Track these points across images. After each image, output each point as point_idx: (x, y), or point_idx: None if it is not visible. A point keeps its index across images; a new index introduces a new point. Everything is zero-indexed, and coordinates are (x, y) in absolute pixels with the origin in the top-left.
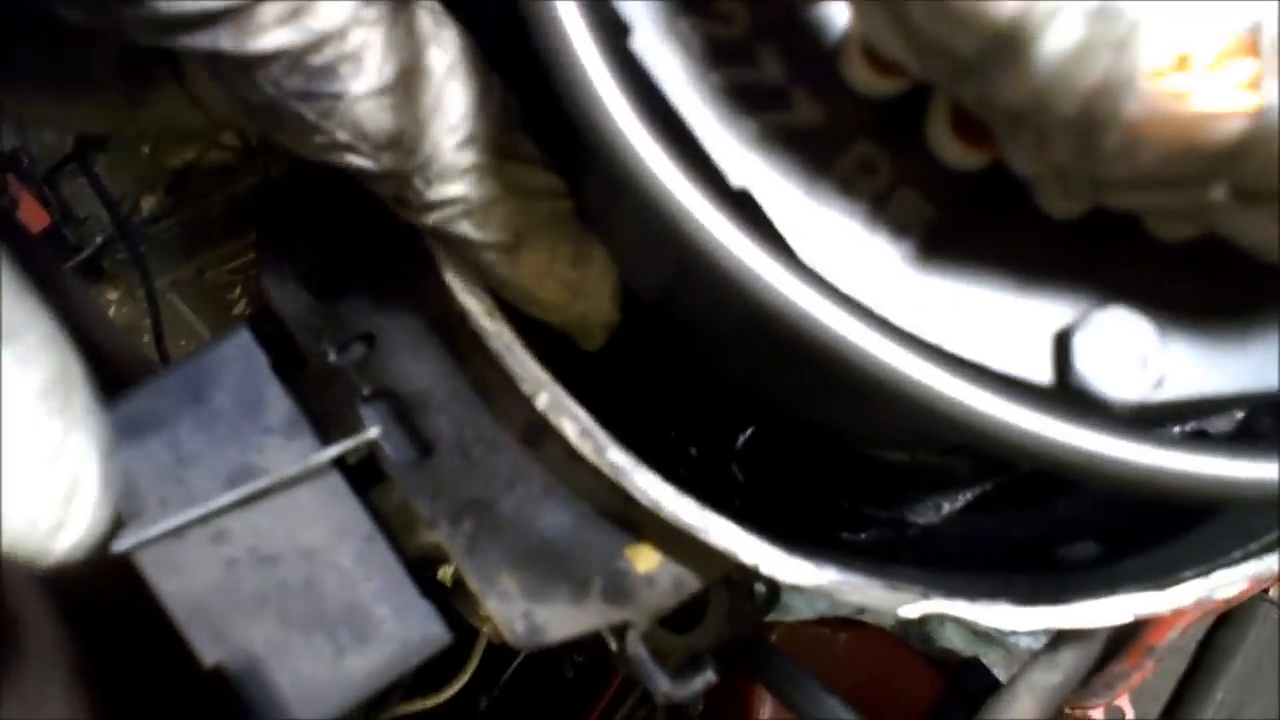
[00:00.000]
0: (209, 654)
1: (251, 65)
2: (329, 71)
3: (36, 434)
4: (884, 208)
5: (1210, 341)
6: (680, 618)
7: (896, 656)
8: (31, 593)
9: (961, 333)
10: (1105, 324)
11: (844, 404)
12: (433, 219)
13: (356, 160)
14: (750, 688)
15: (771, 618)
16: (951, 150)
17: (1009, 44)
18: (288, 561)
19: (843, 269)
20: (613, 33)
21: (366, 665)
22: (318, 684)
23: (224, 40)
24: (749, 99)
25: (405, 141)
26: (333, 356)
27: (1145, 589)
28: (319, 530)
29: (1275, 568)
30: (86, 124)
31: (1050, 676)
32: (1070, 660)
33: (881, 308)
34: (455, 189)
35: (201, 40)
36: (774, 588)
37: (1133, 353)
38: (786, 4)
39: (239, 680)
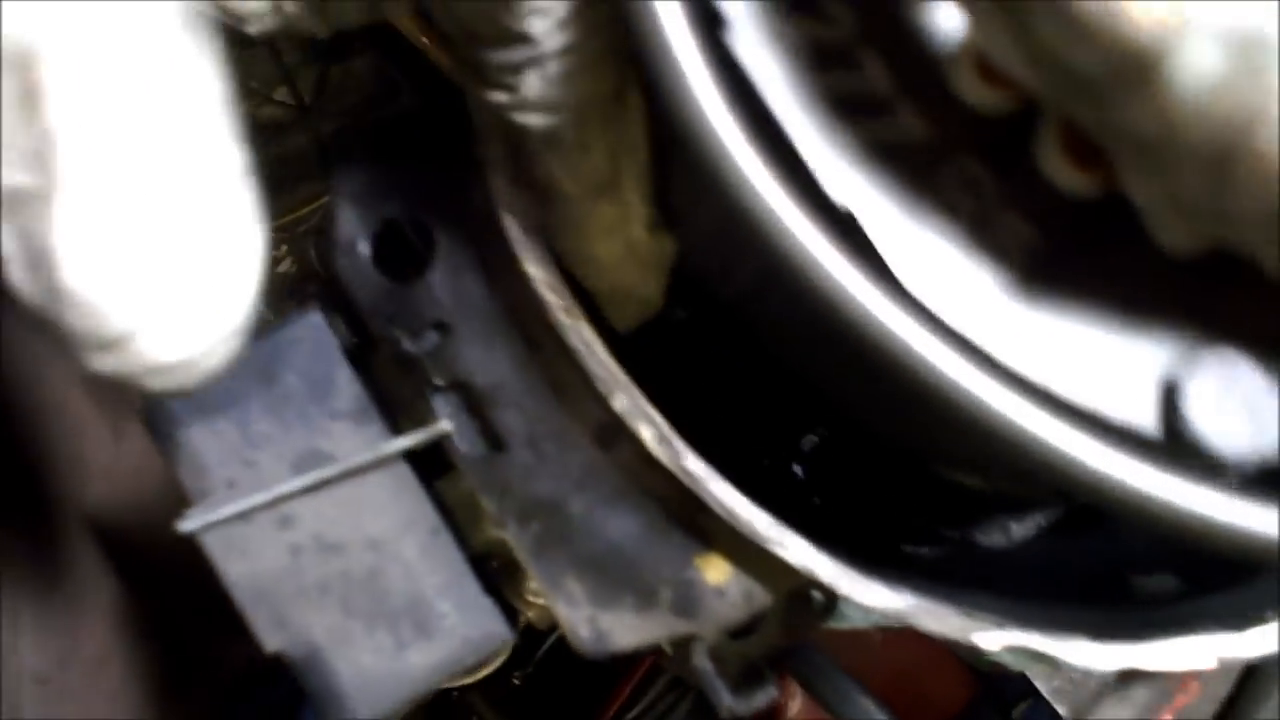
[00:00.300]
0: (270, 640)
1: None
2: None
3: (220, 145)
4: (986, 230)
5: None
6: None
7: (930, 656)
8: (100, 571)
9: (1060, 370)
10: (1220, 370)
11: (926, 429)
12: (529, 119)
13: None
14: (781, 680)
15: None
16: (1062, 173)
17: (1140, 67)
18: (352, 551)
19: (939, 293)
20: (711, 28)
21: (426, 661)
22: (377, 677)
23: None
24: (851, 107)
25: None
26: (406, 344)
27: (1227, 629)
28: (385, 520)
29: None
30: None
31: (1121, 712)
32: (1144, 697)
33: (978, 338)
34: (564, 89)
35: None
36: (832, 598)
37: (1250, 404)
38: (891, 5)
39: (299, 668)
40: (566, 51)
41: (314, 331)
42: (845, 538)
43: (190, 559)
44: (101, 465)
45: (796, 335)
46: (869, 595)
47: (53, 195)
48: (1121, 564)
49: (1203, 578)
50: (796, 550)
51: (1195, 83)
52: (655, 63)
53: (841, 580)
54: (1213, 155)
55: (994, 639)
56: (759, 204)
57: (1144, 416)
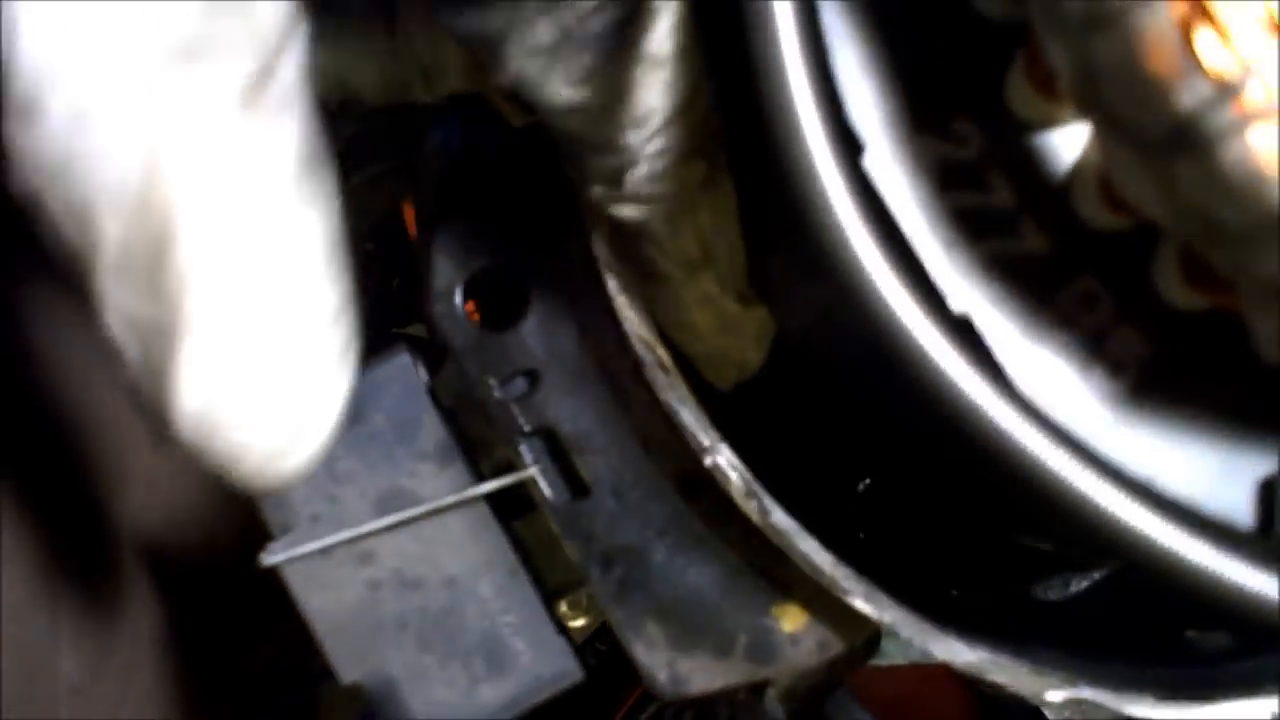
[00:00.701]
0: (347, 673)
1: None
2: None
3: (322, 291)
4: (1103, 344)
5: None
6: None
7: (930, 675)
8: (136, 580)
9: (1161, 467)
10: None
11: (1013, 508)
12: (625, 212)
13: (560, 96)
14: None
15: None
16: (1179, 294)
17: None
18: (430, 588)
19: (1056, 404)
20: (847, 148)
21: (498, 697)
22: (450, 712)
23: None
24: (977, 224)
25: (612, 108)
26: (496, 391)
27: None
28: (463, 559)
29: None
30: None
31: None
32: None
33: (1092, 445)
34: (658, 184)
35: None
36: (875, 635)
37: None
38: (1018, 128)
39: (374, 701)
40: (662, 153)
41: (402, 372)
42: (890, 574)
43: (222, 567)
44: (141, 475)
45: (892, 413)
46: (944, 649)
47: (178, 330)
48: (1177, 619)
49: (1254, 636)
50: (880, 606)
51: None
52: (799, 183)
53: (920, 635)
54: None
55: (1062, 695)
56: (891, 318)
57: (1239, 512)
